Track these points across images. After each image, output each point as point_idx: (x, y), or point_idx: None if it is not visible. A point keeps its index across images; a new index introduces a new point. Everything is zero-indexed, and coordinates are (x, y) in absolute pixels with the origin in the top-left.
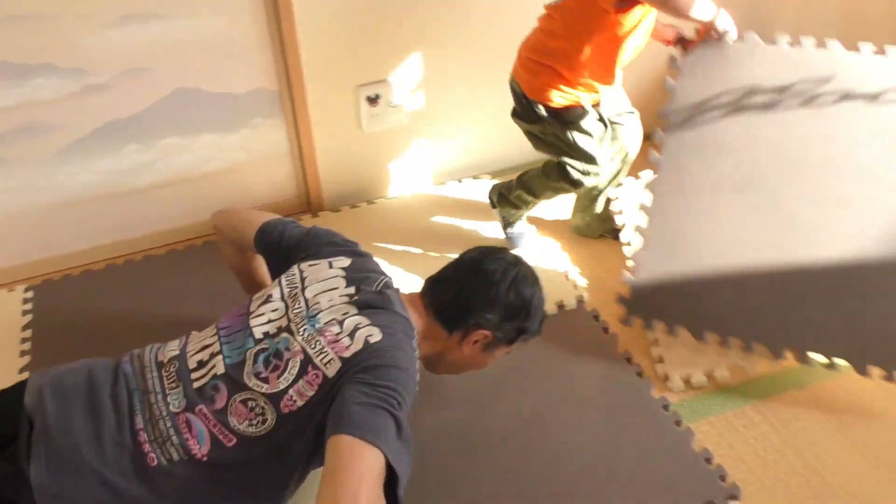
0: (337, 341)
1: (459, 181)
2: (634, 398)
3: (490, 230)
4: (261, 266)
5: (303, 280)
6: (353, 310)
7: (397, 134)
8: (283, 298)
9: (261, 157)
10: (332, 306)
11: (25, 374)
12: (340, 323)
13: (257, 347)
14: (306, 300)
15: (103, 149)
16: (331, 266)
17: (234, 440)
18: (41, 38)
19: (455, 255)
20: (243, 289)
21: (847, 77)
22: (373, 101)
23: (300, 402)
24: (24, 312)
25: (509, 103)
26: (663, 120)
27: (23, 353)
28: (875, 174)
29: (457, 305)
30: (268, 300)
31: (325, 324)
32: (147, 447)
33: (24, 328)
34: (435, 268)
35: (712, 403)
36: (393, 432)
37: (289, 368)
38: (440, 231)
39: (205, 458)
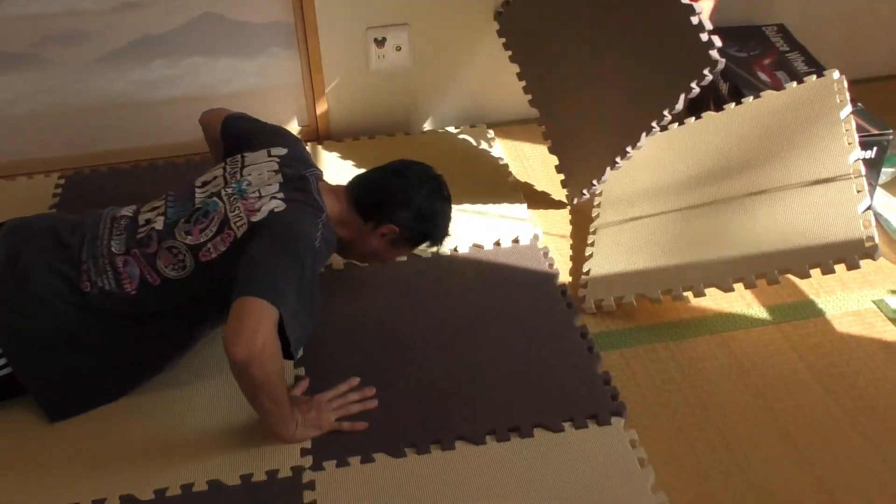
0: (251, 209)
1: (457, 128)
2: (557, 323)
3: (482, 180)
4: None
5: (242, 160)
6: (275, 187)
7: (402, 76)
8: (223, 175)
9: (275, 84)
10: (259, 181)
11: None
12: (259, 195)
13: (192, 209)
14: (240, 175)
15: (136, 61)
16: (269, 154)
17: (158, 281)
18: None
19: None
20: None
21: None
22: (380, 42)
23: (213, 255)
24: (54, 195)
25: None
26: None
27: None
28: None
29: (375, 198)
30: (212, 176)
31: (248, 193)
32: (84, 276)
33: (50, 208)
34: None
35: (628, 338)
36: (290, 290)
37: (210, 226)
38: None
39: (133, 293)
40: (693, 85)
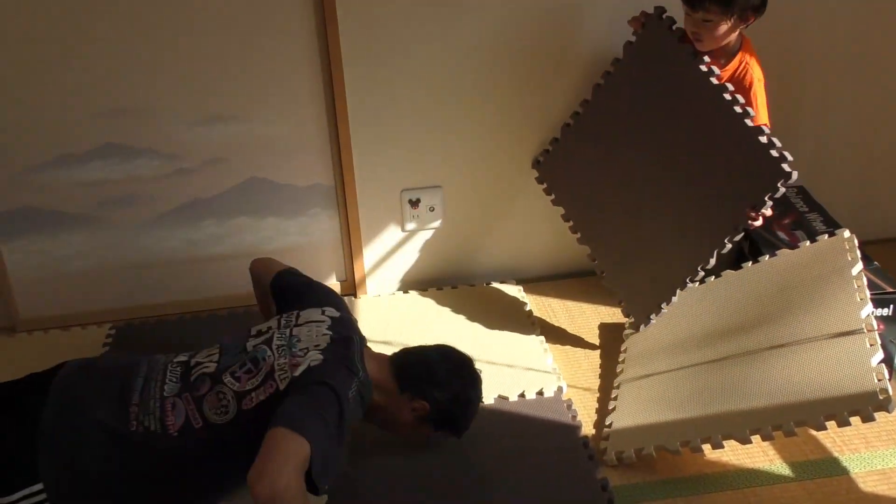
0: (295, 364)
1: (487, 284)
2: (578, 475)
3: (510, 334)
4: None
5: (297, 317)
6: (322, 347)
7: (435, 234)
8: (278, 328)
9: (315, 241)
10: (308, 338)
11: None
12: (305, 353)
13: (244, 357)
14: (292, 331)
15: (186, 221)
16: (322, 313)
17: (201, 423)
18: (147, 128)
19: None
20: None
21: None
22: (414, 203)
23: (254, 403)
24: (104, 345)
25: (539, 215)
26: None
27: None
28: None
29: (417, 372)
30: (266, 327)
31: (296, 349)
32: (132, 416)
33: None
34: None
35: (650, 491)
36: (321, 429)
37: (257, 375)
38: (469, 327)
39: (175, 434)
40: (766, 198)
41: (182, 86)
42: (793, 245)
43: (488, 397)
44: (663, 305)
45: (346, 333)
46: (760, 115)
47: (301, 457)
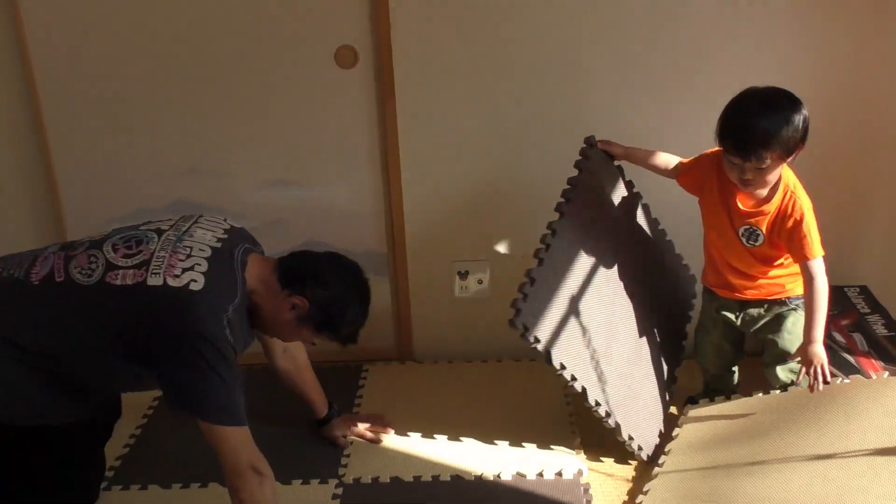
0: (173, 265)
1: (532, 360)
2: None
3: (550, 408)
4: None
5: (199, 218)
6: (207, 253)
7: (483, 306)
8: (175, 221)
9: None
10: (198, 240)
11: None
12: (188, 254)
13: (130, 233)
14: (189, 229)
15: None
16: (225, 220)
17: (63, 278)
18: (216, 188)
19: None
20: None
21: None
22: (462, 275)
23: (118, 283)
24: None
25: None
26: None
27: (143, 416)
28: None
29: (301, 270)
30: (166, 217)
31: (180, 248)
32: (2, 266)
33: (149, 407)
34: (488, 429)
35: None
36: (227, 397)
37: (135, 256)
38: (503, 400)
39: (36, 282)
40: None
41: (251, 150)
42: (850, 348)
43: (506, 473)
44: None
45: (236, 242)
46: (815, 247)
47: (239, 441)
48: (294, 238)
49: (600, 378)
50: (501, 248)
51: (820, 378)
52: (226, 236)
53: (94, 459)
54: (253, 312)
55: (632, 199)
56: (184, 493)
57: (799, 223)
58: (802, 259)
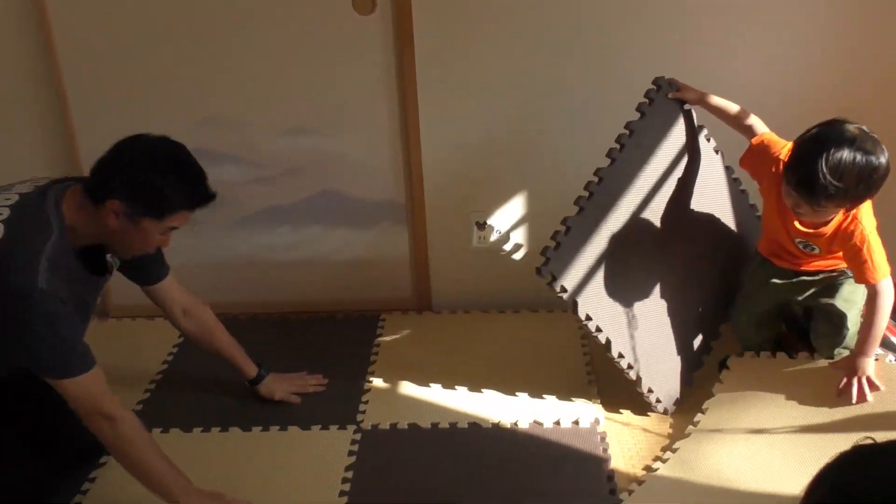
0: None
1: (550, 311)
2: None
3: (568, 359)
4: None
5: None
6: (14, 199)
7: (501, 258)
8: None
9: (384, 255)
10: (13, 192)
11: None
12: None
13: None
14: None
15: (264, 226)
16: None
17: None
18: (233, 137)
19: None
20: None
21: None
22: (481, 226)
23: None
24: (179, 335)
25: None
26: None
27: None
28: None
29: (97, 177)
30: None
31: None
32: None
33: (171, 350)
34: (507, 379)
35: None
36: (62, 347)
37: None
38: (521, 350)
39: None
40: None
41: (268, 99)
42: None
43: (523, 421)
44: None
45: (52, 184)
46: (878, 271)
47: (79, 389)
48: (311, 187)
49: (626, 331)
50: (520, 199)
51: (866, 390)
52: (43, 183)
53: None
54: (95, 244)
55: (702, 152)
56: (205, 436)
57: (859, 249)
58: (864, 282)
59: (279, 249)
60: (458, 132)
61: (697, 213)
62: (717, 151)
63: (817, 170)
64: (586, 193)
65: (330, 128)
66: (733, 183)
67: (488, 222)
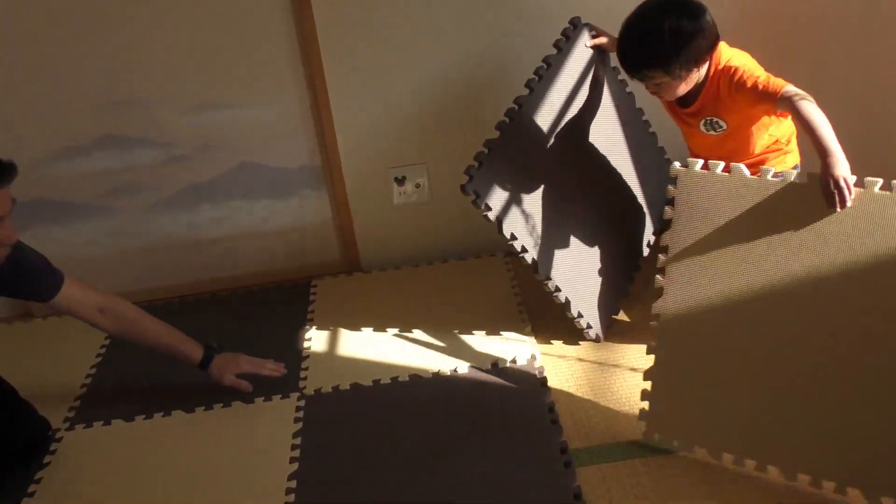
0: None
1: (478, 257)
2: (539, 439)
3: (500, 301)
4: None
5: None
6: None
7: (423, 210)
8: None
9: (309, 221)
10: None
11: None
12: None
13: None
14: None
15: (185, 206)
16: None
17: None
18: (141, 118)
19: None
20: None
21: None
22: (400, 181)
23: None
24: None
25: None
26: None
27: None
28: None
29: None
30: None
31: None
32: None
33: (106, 338)
34: (443, 329)
35: (608, 454)
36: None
37: None
38: (453, 299)
39: None
40: None
41: (170, 76)
42: None
43: (462, 367)
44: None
45: None
46: (773, 82)
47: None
48: (227, 161)
49: (552, 253)
50: (438, 150)
51: (846, 194)
52: None
53: None
54: None
55: (614, 87)
56: (148, 423)
57: (742, 81)
58: (771, 99)
59: (203, 228)
60: (367, 89)
61: (614, 142)
62: (621, 83)
63: (624, 48)
64: (506, 119)
65: (238, 99)
66: (637, 112)
67: (407, 177)
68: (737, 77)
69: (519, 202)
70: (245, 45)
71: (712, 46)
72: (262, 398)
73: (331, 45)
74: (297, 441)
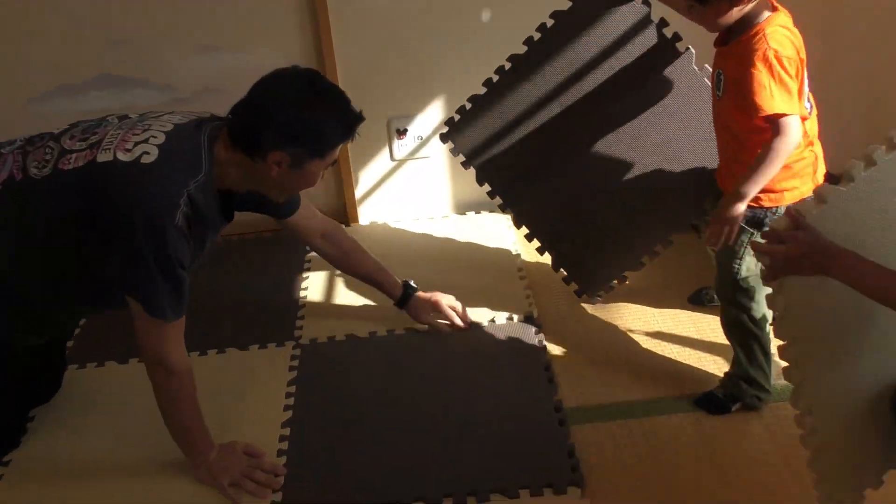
0: (125, 141)
1: (478, 213)
2: (535, 396)
3: (500, 259)
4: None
5: (169, 114)
6: (168, 127)
7: (424, 164)
8: (149, 114)
9: None
10: (158, 122)
11: None
12: (144, 129)
13: (92, 121)
14: (154, 118)
15: None
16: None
17: (21, 176)
18: (140, 59)
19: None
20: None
21: None
22: (401, 133)
23: (70, 167)
24: None
25: None
26: None
27: None
28: None
29: (246, 133)
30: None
31: (140, 125)
32: None
33: None
34: (441, 285)
35: (603, 413)
36: (159, 285)
37: (88, 139)
38: (452, 255)
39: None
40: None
41: (172, 16)
42: None
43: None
44: (614, 283)
45: (208, 119)
46: (781, 100)
47: (153, 333)
48: (227, 106)
49: (540, 210)
50: (442, 101)
51: (721, 238)
52: (196, 117)
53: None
54: (237, 190)
55: (655, 50)
56: (142, 366)
57: (758, 70)
58: (757, 110)
59: None
60: (372, 36)
61: (628, 114)
62: (686, 50)
63: None
64: (495, 76)
65: (241, 43)
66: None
67: (409, 129)
68: (760, 56)
69: (504, 157)
70: None
71: None
72: (258, 346)
73: None
74: (292, 389)
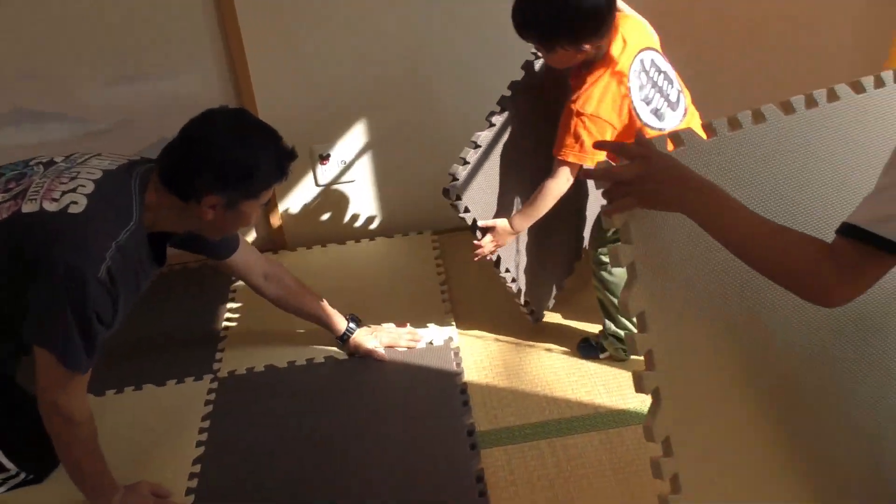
0: (52, 189)
1: (405, 235)
2: (448, 421)
3: (423, 281)
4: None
5: (98, 157)
6: (97, 175)
7: (348, 189)
8: (77, 156)
9: None
10: (89, 168)
11: None
12: (73, 177)
13: (16, 170)
14: (86, 160)
15: None
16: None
17: None
18: (54, 92)
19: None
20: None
21: None
22: (324, 158)
23: None
24: None
25: (447, 170)
26: None
27: None
28: None
29: (180, 175)
30: (71, 153)
31: (70, 172)
32: None
33: None
34: (366, 308)
35: (515, 435)
36: (65, 330)
37: (11, 190)
38: (378, 277)
39: None
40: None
41: (86, 48)
42: None
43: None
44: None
45: (139, 164)
46: (569, 148)
47: (70, 386)
48: (146, 138)
49: (513, 245)
50: (363, 127)
51: (485, 251)
52: (126, 161)
53: None
54: (174, 231)
55: None
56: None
57: (569, 113)
58: (554, 150)
59: None
60: (290, 63)
61: None
62: None
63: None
64: (489, 123)
65: (156, 72)
66: None
67: (332, 154)
68: (578, 103)
69: (489, 201)
70: (162, 12)
71: (588, 36)
72: (175, 381)
73: (250, 11)
74: (206, 424)
